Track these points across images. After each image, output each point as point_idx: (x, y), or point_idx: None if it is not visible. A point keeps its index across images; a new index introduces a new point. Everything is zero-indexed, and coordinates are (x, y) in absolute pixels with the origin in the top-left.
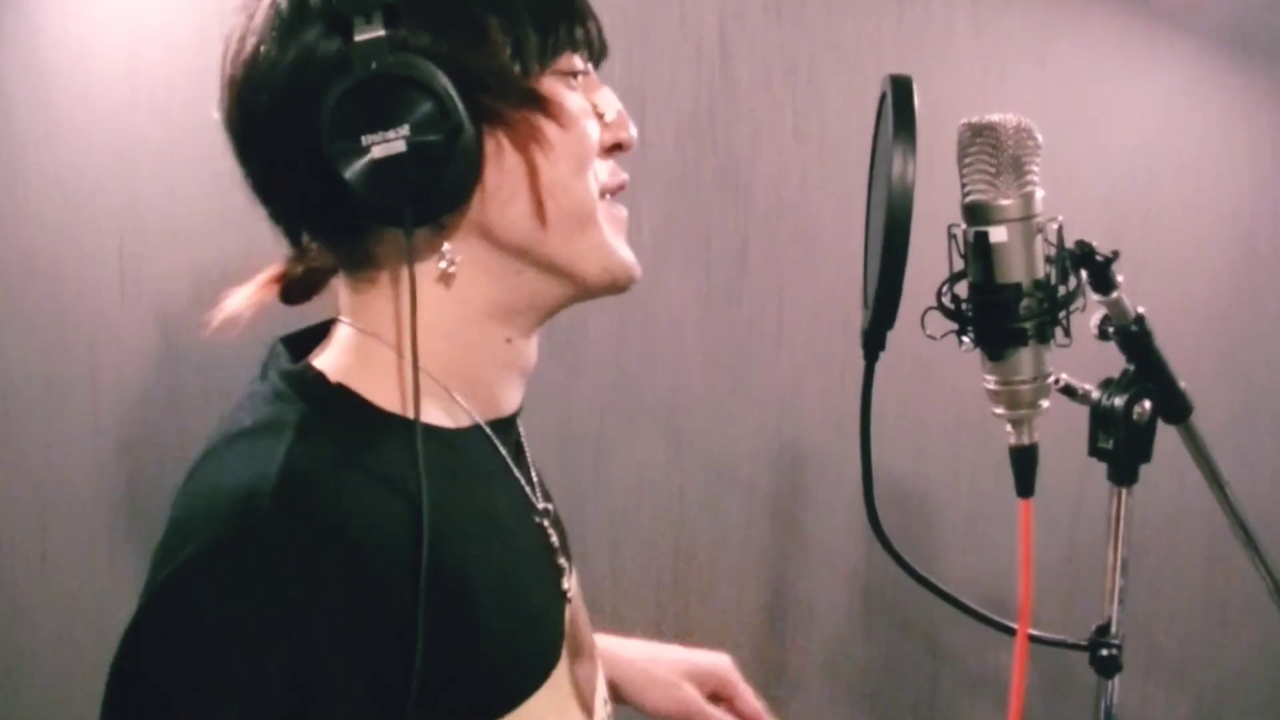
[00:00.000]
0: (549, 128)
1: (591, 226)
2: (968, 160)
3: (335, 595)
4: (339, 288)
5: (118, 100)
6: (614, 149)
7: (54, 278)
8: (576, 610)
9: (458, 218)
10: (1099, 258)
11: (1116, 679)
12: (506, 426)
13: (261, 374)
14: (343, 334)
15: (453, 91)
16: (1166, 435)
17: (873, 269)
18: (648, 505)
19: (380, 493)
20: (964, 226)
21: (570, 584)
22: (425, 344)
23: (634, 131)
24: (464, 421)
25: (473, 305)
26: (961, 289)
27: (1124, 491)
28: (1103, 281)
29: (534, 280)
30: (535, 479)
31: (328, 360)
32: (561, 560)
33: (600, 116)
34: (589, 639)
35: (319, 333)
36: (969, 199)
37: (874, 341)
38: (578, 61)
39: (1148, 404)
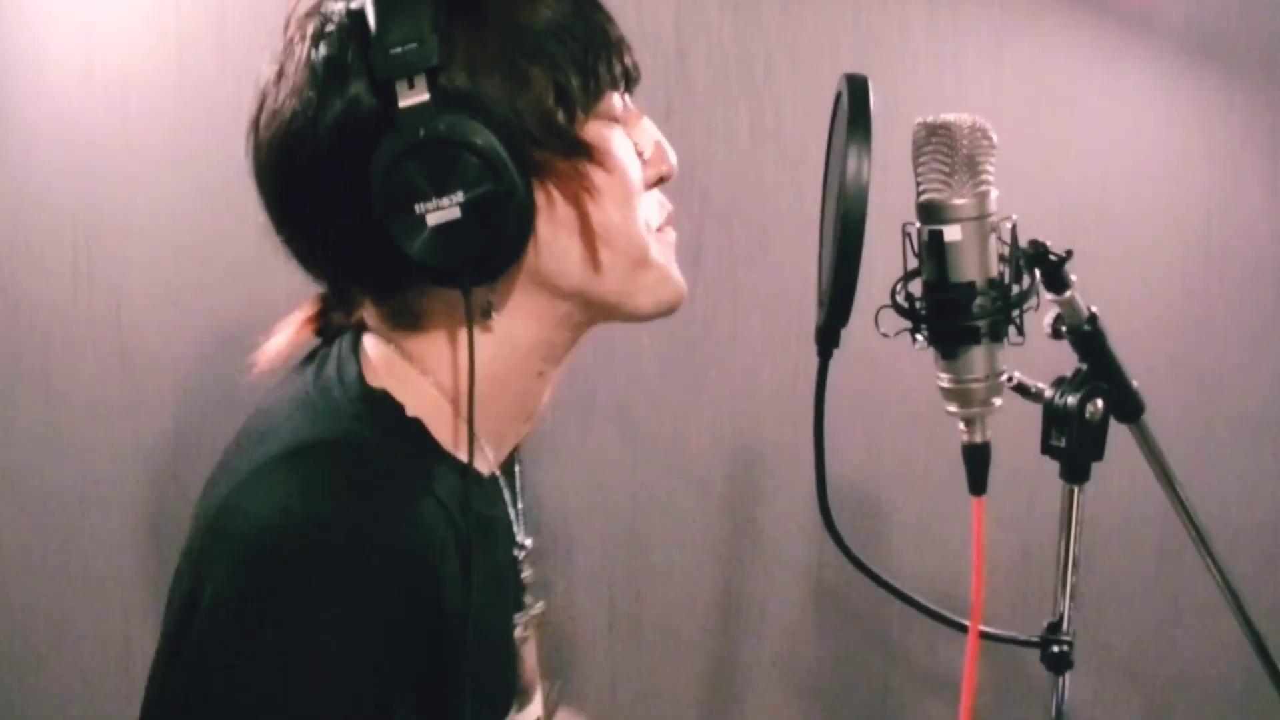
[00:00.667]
0: (596, 174)
1: (645, 264)
2: (923, 159)
3: (411, 628)
4: (374, 314)
5: (73, 97)
6: (657, 182)
7: (7, 276)
8: (528, 651)
9: (511, 270)
10: (1053, 257)
11: (1068, 675)
12: (510, 459)
13: (314, 372)
14: (386, 360)
15: (503, 151)
16: (1118, 433)
17: (827, 267)
18: (601, 503)
19: (447, 534)
20: (918, 225)
21: (528, 625)
22: (460, 383)
23: (674, 161)
24: (488, 466)
25: (518, 347)
26: (915, 287)
27: (1076, 489)
28: (1056, 281)
29: (580, 316)
30: (521, 511)
31: (378, 378)
32: (528, 598)
33: (641, 154)
34: (533, 680)
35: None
36: (924, 198)
37: (828, 339)
38: (617, 101)
39: (1100, 403)
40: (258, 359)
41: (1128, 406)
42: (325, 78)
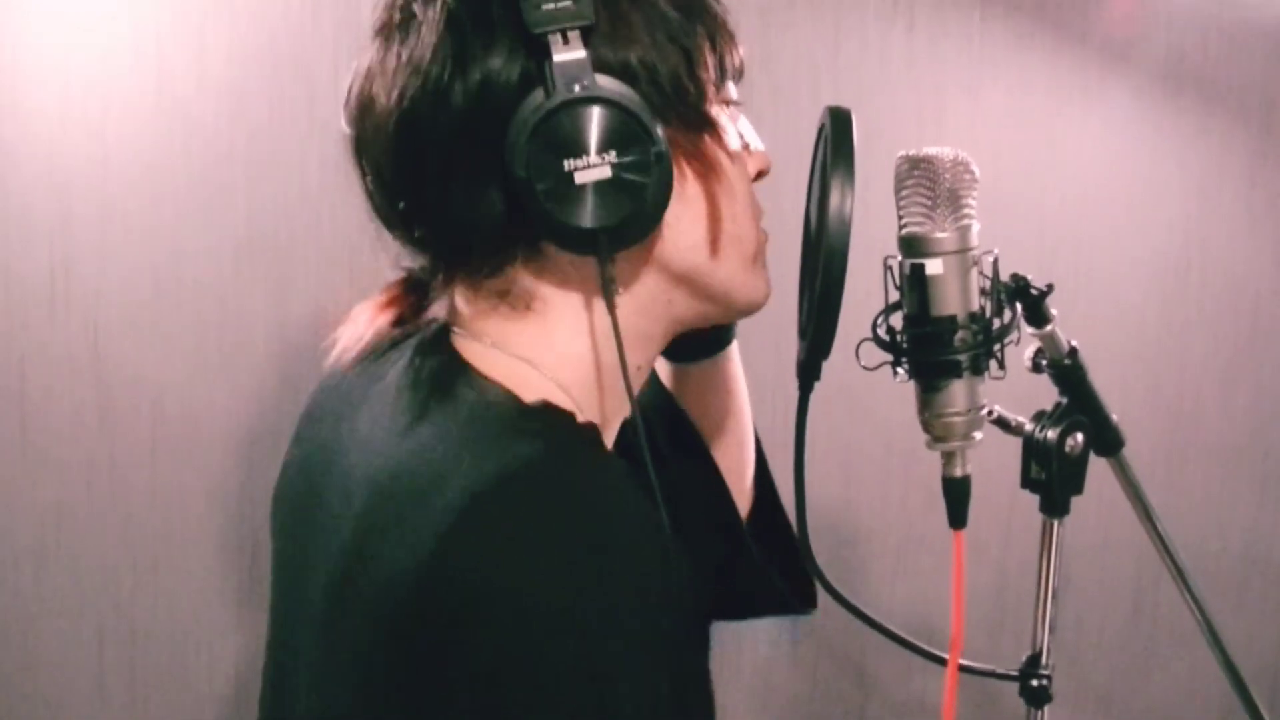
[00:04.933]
0: (721, 156)
1: (755, 256)
2: (905, 192)
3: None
4: (464, 310)
5: (49, 114)
6: (755, 178)
7: None
8: None
9: (633, 248)
10: (1034, 291)
11: (1045, 708)
12: None
13: (424, 401)
14: (497, 363)
15: (653, 115)
16: (1096, 464)
17: (809, 300)
18: None
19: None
20: (900, 258)
21: None
22: (574, 374)
23: (770, 159)
24: None
25: (626, 334)
26: (896, 320)
27: (1056, 523)
28: (1037, 315)
29: (681, 307)
30: None
31: (507, 385)
32: None
33: (746, 146)
34: None
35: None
36: (905, 231)
37: (809, 373)
38: (733, 91)
39: (1080, 437)
40: (333, 348)
41: (1107, 440)
42: (469, 30)
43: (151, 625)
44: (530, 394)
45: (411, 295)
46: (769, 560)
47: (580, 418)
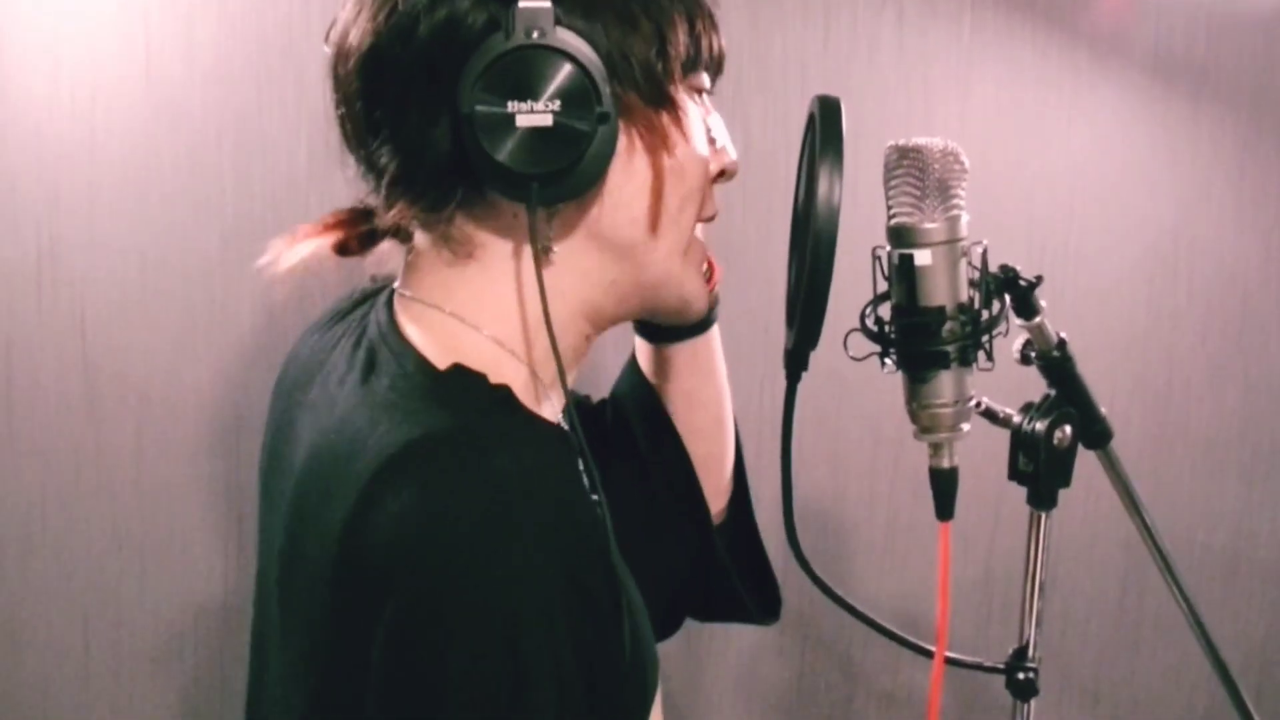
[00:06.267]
0: (677, 138)
1: (689, 249)
2: (894, 183)
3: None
4: (413, 261)
5: (37, 101)
6: (718, 176)
7: None
8: None
9: (571, 209)
10: (1022, 283)
11: (1032, 701)
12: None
13: (363, 365)
14: (433, 325)
15: (606, 76)
16: (1083, 455)
17: (797, 289)
18: None
19: (587, 501)
20: (889, 248)
21: None
22: (517, 328)
23: (736, 158)
24: (556, 418)
25: (567, 299)
26: (885, 311)
27: (1043, 515)
28: (1026, 306)
29: (622, 288)
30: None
31: (432, 350)
32: None
33: (712, 141)
34: None
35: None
36: (894, 221)
37: (797, 362)
38: (706, 80)
39: (1068, 429)
40: (272, 259)
41: (1096, 433)
42: None
43: (137, 612)
44: (453, 355)
45: (360, 225)
46: (735, 565)
47: (518, 373)
